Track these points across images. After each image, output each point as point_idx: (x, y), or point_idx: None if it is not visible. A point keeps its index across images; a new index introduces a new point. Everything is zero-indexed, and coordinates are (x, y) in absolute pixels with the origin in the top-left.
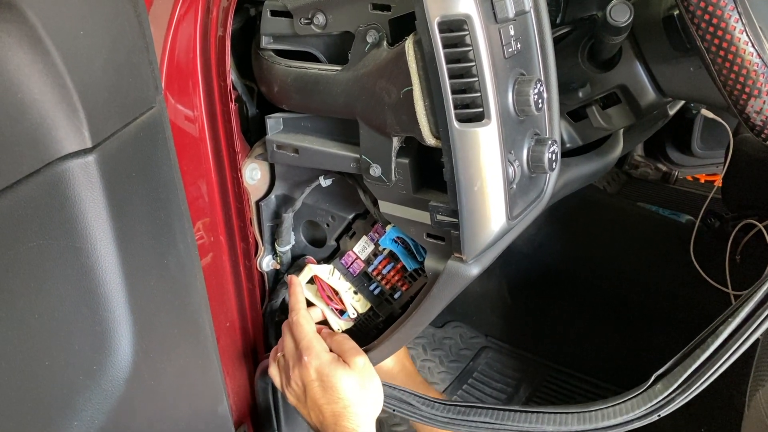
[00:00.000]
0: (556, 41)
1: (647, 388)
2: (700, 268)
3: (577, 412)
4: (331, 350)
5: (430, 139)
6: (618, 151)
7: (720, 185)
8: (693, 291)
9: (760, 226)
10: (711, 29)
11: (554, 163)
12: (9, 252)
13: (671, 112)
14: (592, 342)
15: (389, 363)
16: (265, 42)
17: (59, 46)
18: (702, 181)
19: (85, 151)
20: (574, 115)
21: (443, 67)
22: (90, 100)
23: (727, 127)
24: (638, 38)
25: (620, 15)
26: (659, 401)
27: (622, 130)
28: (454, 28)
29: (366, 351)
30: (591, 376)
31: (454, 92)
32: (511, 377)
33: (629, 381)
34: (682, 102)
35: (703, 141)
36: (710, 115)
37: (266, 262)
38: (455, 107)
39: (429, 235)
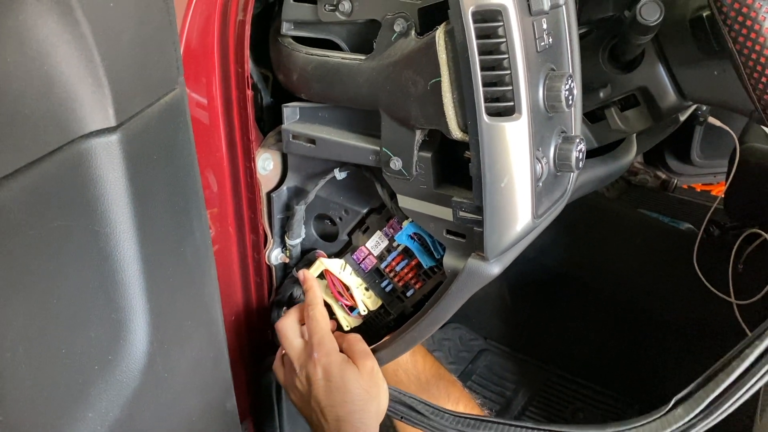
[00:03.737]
0: None
1: (667, 412)
2: (702, 276)
3: None
4: (341, 350)
5: (456, 133)
6: (632, 154)
7: (721, 195)
8: (694, 298)
9: (766, 236)
10: (744, 31)
11: (581, 162)
12: (30, 231)
13: (682, 118)
14: (592, 347)
15: (406, 358)
16: (286, 28)
17: (89, 17)
18: (698, 190)
19: (108, 130)
20: (590, 116)
21: (475, 59)
22: (116, 76)
23: (733, 135)
24: (662, 39)
25: (651, 14)
26: (679, 426)
27: (635, 134)
28: (489, 18)
29: (375, 350)
30: (590, 381)
31: (484, 85)
32: (510, 381)
33: (628, 387)
34: (693, 108)
35: (702, 150)
36: (717, 123)
37: (275, 256)
38: (485, 100)
39: (449, 232)
